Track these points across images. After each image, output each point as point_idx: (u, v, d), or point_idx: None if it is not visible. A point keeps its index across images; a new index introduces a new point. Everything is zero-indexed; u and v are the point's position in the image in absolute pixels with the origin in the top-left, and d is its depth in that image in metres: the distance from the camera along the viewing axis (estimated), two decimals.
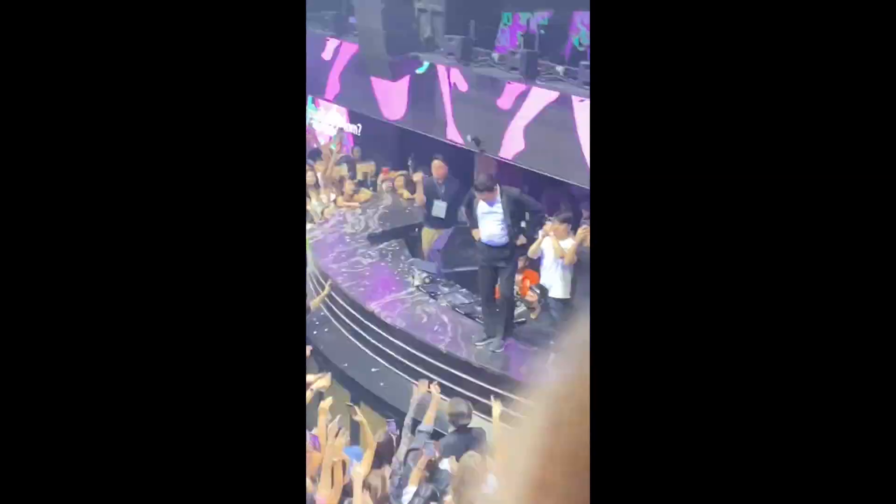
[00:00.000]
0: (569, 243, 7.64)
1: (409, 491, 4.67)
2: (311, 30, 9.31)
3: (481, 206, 6.76)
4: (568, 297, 7.84)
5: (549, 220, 7.51)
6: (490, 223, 6.74)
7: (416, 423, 5.55)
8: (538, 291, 7.39)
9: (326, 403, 5.32)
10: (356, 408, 5.39)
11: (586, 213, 8.83)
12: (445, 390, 6.72)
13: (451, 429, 5.61)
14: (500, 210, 6.68)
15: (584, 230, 7.38)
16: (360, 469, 4.64)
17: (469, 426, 5.67)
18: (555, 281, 7.69)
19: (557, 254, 7.61)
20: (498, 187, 6.75)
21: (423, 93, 9.44)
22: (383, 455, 5.09)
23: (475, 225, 6.91)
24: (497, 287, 6.95)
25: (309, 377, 5.55)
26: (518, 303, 7.50)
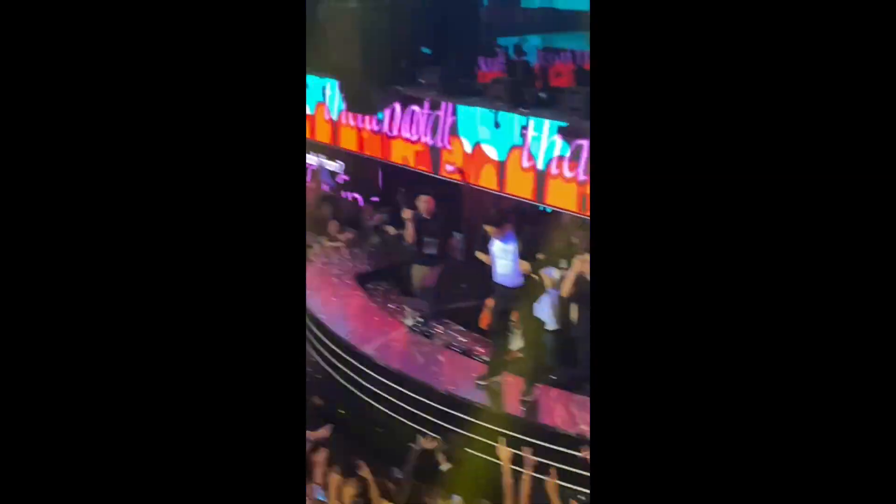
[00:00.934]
0: (554, 272, 7.51)
1: None
2: None
3: (495, 244, 6.45)
4: (559, 328, 7.66)
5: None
6: (503, 262, 6.44)
7: (418, 468, 5.36)
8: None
9: (321, 455, 5.11)
10: (362, 464, 5.13)
11: (576, 240, 8.67)
12: (443, 431, 6.48)
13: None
14: (514, 247, 6.40)
15: (582, 260, 7.19)
16: None
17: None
18: (545, 313, 7.49)
19: (548, 285, 7.43)
20: (511, 222, 6.46)
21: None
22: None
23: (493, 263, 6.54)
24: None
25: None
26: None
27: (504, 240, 6.37)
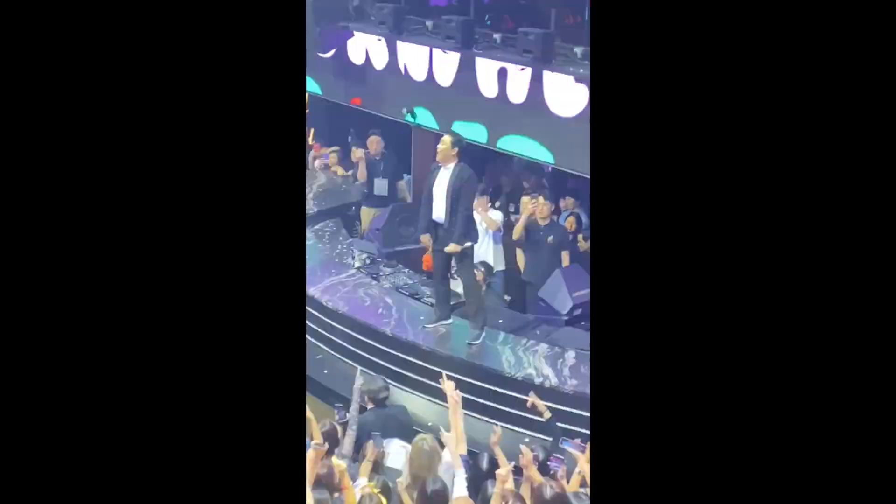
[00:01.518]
0: (497, 215, 7.51)
1: (360, 483, 4.41)
2: None
3: (440, 175, 6.15)
4: (503, 268, 7.69)
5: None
6: (440, 201, 6.17)
7: (362, 409, 5.32)
8: (483, 269, 7.16)
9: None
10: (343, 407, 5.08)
11: (527, 184, 8.65)
12: (392, 375, 6.46)
13: (370, 405, 5.37)
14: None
15: (530, 202, 7.19)
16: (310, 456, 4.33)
17: (386, 401, 5.49)
18: (488, 255, 7.50)
19: (490, 227, 7.43)
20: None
21: (355, 67, 9.07)
22: (329, 445, 4.82)
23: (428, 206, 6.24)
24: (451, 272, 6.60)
25: None
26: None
27: (446, 167, 6.11)
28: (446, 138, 6.14)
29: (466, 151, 6.26)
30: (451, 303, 6.71)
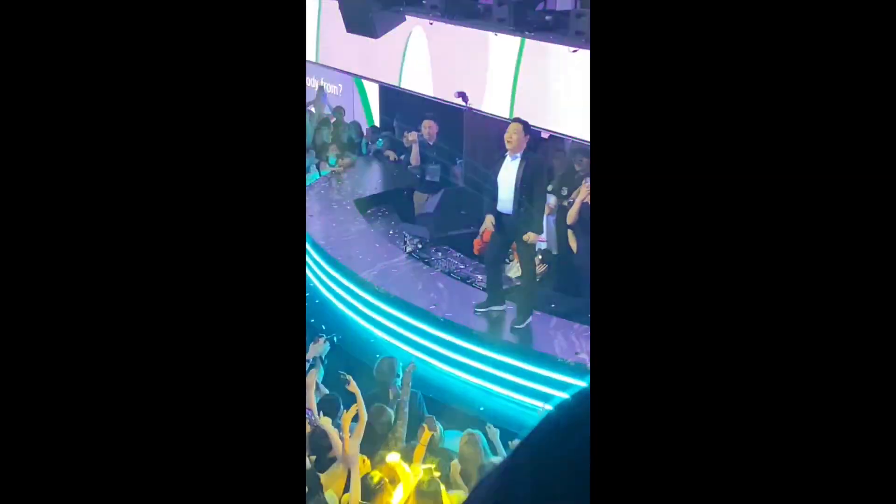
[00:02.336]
0: (552, 199, 7.46)
1: (415, 468, 4.43)
2: None
3: (505, 164, 6.03)
4: (557, 252, 7.64)
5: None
6: (506, 190, 6.05)
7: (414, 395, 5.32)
8: (542, 256, 7.12)
9: (312, 377, 5.04)
10: (350, 378, 5.06)
11: (578, 167, 8.57)
12: (441, 358, 6.48)
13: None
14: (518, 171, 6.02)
15: (586, 186, 7.12)
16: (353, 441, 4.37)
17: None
18: (544, 240, 7.47)
19: (546, 211, 7.38)
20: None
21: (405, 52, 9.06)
22: None
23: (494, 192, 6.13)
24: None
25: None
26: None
27: (514, 157, 6.02)
28: (516, 126, 6.04)
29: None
30: (504, 287, 6.69)
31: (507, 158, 6.01)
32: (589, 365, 5.82)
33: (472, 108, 8.40)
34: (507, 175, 6.01)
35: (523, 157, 5.96)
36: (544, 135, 8.46)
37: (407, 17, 8.88)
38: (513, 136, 5.95)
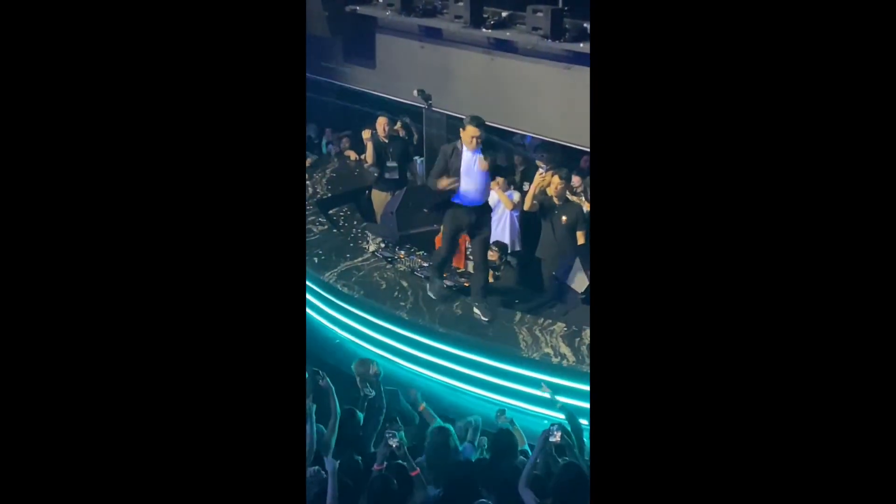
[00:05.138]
0: (514, 195, 7.50)
1: None
2: None
3: (465, 156, 6.08)
4: (520, 248, 7.67)
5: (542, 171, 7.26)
6: (470, 173, 6.09)
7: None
8: (497, 249, 7.14)
9: None
10: (324, 374, 5.05)
11: (541, 163, 8.60)
12: (408, 357, 6.47)
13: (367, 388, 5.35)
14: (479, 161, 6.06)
15: (540, 176, 7.14)
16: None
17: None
18: (504, 235, 7.49)
19: (507, 206, 7.41)
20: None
21: (363, 47, 9.04)
22: None
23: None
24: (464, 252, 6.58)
25: None
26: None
27: (475, 151, 6.05)
28: (471, 128, 6.06)
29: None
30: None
31: (466, 152, 6.04)
32: (589, 367, 5.86)
33: (432, 107, 8.40)
34: (468, 166, 6.06)
35: (483, 151, 6.03)
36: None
37: (357, 9, 8.83)
38: (469, 133, 5.99)
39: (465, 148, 6.06)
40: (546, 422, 5.11)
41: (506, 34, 7.68)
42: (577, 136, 7.26)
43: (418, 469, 4.35)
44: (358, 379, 5.29)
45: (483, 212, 6.34)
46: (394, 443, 4.31)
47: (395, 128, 8.58)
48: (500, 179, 7.36)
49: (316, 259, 7.47)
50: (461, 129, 6.07)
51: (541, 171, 7.40)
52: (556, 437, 4.28)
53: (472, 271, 6.84)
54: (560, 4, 7.72)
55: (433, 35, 8.45)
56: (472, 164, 6.07)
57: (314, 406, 4.56)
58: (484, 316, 6.37)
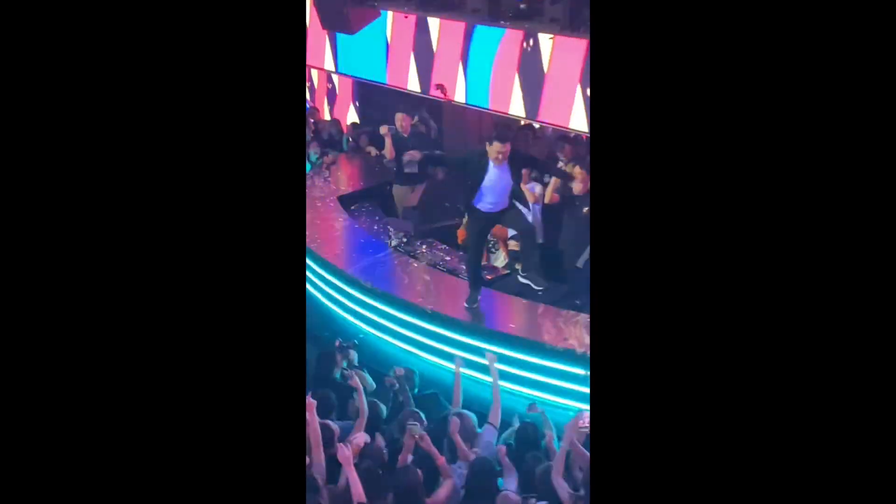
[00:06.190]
0: (536, 188, 7.48)
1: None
2: None
3: (490, 172, 6.14)
4: (542, 241, 7.65)
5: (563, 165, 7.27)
6: (495, 188, 6.17)
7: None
8: (519, 240, 7.14)
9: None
10: (354, 373, 5.10)
11: (561, 155, 8.57)
12: (433, 351, 6.47)
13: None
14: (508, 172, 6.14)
15: (562, 168, 7.13)
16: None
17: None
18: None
19: (529, 199, 7.40)
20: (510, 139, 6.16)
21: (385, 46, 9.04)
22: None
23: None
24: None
25: None
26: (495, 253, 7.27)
27: (502, 167, 6.11)
28: (497, 144, 6.06)
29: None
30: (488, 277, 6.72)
31: (492, 167, 6.07)
32: (589, 355, 5.85)
33: (452, 101, 8.39)
34: (493, 181, 6.12)
35: (510, 165, 6.08)
36: (523, 122, 8.48)
37: (381, 11, 8.86)
38: (499, 154, 6.01)
39: (491, 163, 6.08)
40: (571, 413, 5.11)
41: (525, 25, 7.65)
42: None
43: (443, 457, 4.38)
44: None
45: (502, 214, 6.39)
46: (417, 433, 4.33)
47: (414, 122, 8.59)
48: (522, 172, 7.37)
49: (339, 254, 7.50)
50: (487, 144, 6.09)
51: (561, 163, 7.39)
52: (586, 423, 4.23)
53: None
54: None
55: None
56: (496, 180, 6.13)
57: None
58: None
